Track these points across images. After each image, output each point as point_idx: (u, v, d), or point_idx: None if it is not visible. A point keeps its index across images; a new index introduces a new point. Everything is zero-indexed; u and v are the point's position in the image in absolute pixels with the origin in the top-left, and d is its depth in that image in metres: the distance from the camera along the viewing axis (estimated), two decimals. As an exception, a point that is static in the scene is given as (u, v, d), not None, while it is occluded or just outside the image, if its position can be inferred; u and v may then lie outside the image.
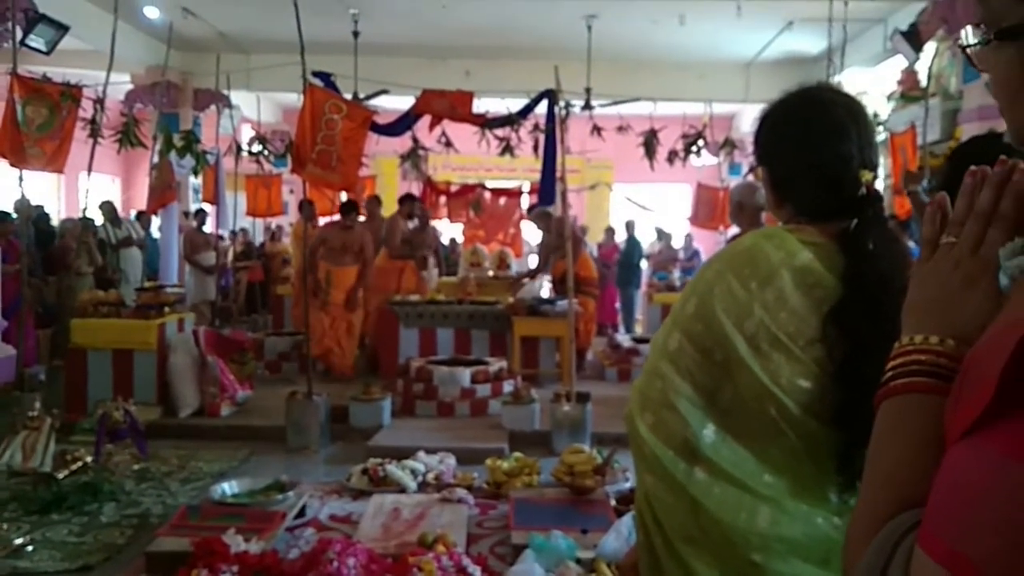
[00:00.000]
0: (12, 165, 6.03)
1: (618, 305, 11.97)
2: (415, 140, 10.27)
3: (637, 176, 13.15)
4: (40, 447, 4.50)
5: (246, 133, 12.35)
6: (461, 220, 12.76)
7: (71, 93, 6.21)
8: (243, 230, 12.91)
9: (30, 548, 3.86)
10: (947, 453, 0.59)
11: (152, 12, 9.93)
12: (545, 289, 8.65)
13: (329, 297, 7.53)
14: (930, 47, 7.97)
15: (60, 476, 4.48)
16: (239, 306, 11.49)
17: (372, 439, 5.74)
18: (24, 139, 5.90)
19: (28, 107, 5.96)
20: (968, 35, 0.73)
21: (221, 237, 10.25)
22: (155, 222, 10.90)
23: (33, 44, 7.14)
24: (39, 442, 4.51)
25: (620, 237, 12.44)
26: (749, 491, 1.21)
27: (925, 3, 7.78)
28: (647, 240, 12.92)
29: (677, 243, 12.75)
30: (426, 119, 8.41)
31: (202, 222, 10.48)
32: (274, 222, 13.36)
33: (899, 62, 9.21)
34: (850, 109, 1.32)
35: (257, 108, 12.17)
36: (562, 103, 6.98)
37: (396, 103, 9.85)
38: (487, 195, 12.71)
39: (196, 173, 9.46)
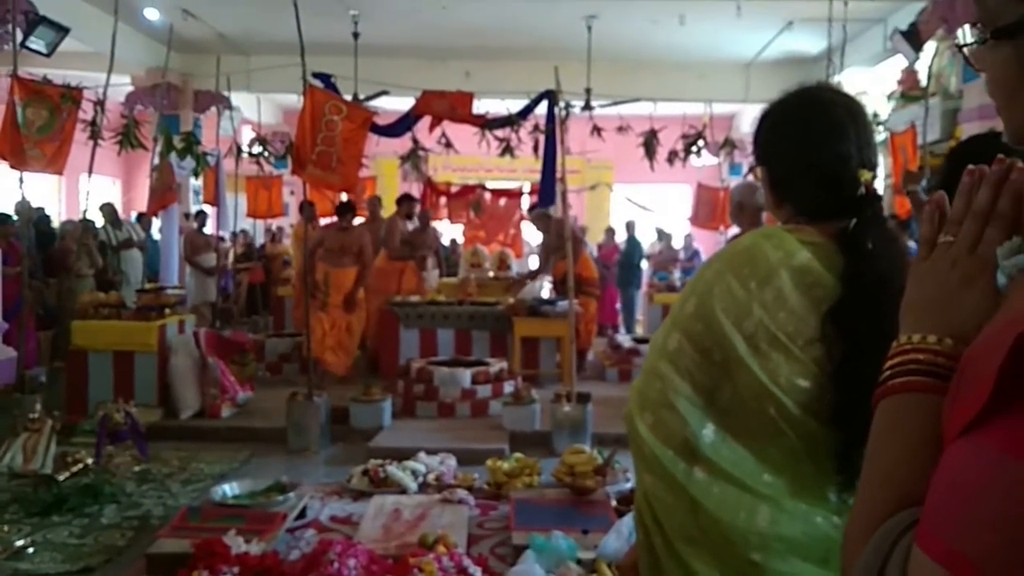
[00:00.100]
0: (12, 167, 6.03)
1: (619, 305, 11.97)
2: (415, 141, 10.27)
3: (637, 176, 13.15)
4: (41, 449, 4.50)
5: (246, 134, 12.35)
6: (461, 221, 12.76)
7: (71, 95, 6.21)
8: (243, 231, 12.92)
9: (31, 550, 3.86)
10: (945, 451, 0.59)
11: (152, 14, 9.94)
12: (546, 290, 8.65)
13: (328, 299, 7.51)
14: (930, 47, 7.97)
15: (61, 478, 4.49)
16: (240, 307, 11.50)
17: (373, 440, 5.74)
18: (24, 141, 5.90)
19: (28, 109, 5.97)
20: (965, 34, 0.73)
21: (222, 238, 10.25)
22: (156, 224, 10.90)
23: (33, 46, 7.15)
24: (40, 444, 4.51)
25: (620, 237, 12.44)
26: (748, 490, 1.21)
27: (925, 3, 7.78)
28: (647, 240, 12.92)
29: (677, 243, 12.75)
30: (426, 120, 8.42)
31: (202, 224, 10.48)
32: (275, 223, 13.36)
33: (899, 62, 9.21)
34: (849, 109, 1.32)
35: (257, 109, 12.17)
36: (562, 104, 6.99)
37: (396, 104, 9.85)
38: (487, 196, 12.71)
39: (196, 175, 9.46)
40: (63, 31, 7.36)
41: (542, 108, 7.64)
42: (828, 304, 1.22)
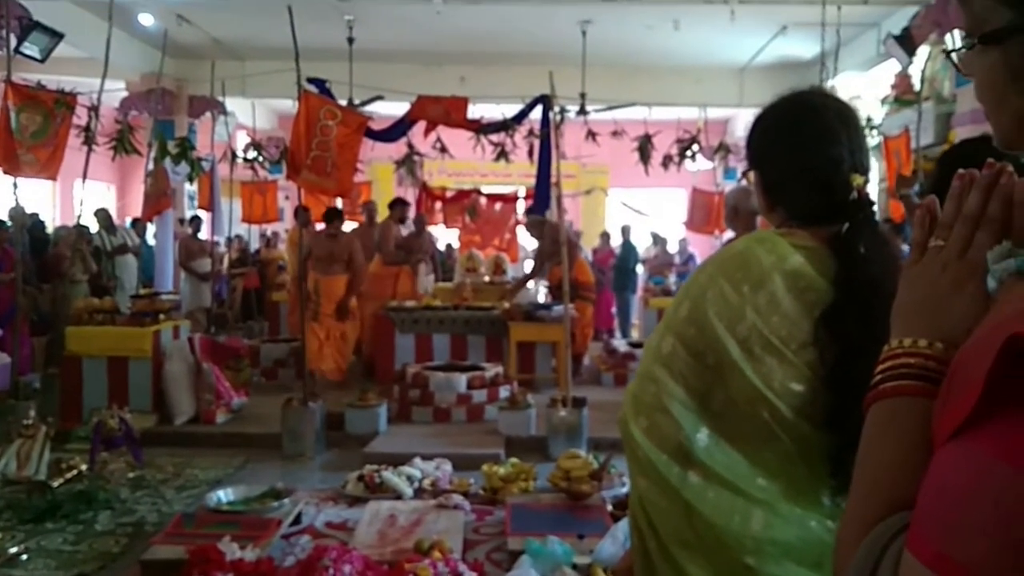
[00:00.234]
0: (5, 172, 6.03)
1: (614, 310, 11.98)
2: (410, 146, 10.27)
3: (632, 181, 13.16)
4: (35, 455, 4.49)
5: (241, 140, 12.35)
6: (457, 225, 12.76)
7: (65, 100, 6.21)
8: (238, 237, 12.90)
9: (25, 557, 3.84)
10: (935, 455, 0.59)
11: (147, 19, 9.93)
12: (541, 294, 8.65)
13: (320, 308, 7.45)
14: (923, 51, 8.00)
15: (55, 484, 4.47)
16: (235, 313, 11.48)
17: (368, 445, 5.73)
18: (18, 146, 5.90)
19: (22, 115, 5.96)
20: (954, 40, 0.74)
21: (216, 244, 10.24)
22: (150, 229, 10.88)
23: (27, 52, 7.13)
24: (34, 450, 4.50)
25: (616, 242, 12.46)
26: (743, 495, 1.21)
27: (918, 7, 7.83)
28: (643, 245, 12.94)
29: (672, 247, 12.76)
30: (421, 125, 8.42)
31: (197, 229, 10.47)
32: (270, 229, 13.34)
33: (892, 66, 9.24)
34: (841, 113, 1.33)
35: (252, 115, 12.16)
36: (557, 108, 7.00)
37: (391, 109, 9.85)
38: (483, 200, 12.72)
39: (191, 180, 9.45)
40: (57, 37, 7.35)
41: (537, 113, 7.66)
42: (821, 308, 1.22)
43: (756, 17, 9.45)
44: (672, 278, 11.45)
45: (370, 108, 9.04)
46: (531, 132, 9.11)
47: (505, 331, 7.56)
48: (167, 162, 8.38)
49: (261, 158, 11.15)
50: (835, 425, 1.18)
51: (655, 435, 1.25)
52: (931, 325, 0.70)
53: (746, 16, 9.21)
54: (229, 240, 11.62)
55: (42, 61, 7.30)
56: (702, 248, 12.85)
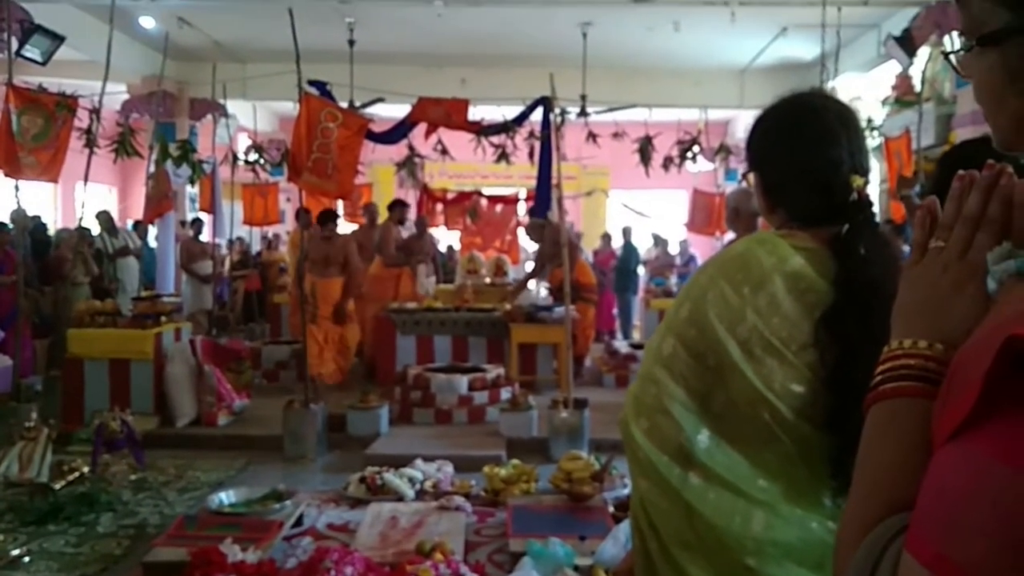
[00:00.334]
0: (6, 175, 6.04)
1: (615, 311, 11.98)
2: (411, 148, 10.28)
3: (633, 182, 13.16)
4: (37, 457, 4.49)
5: (242, 142, 12.36)
6: (458, 227, 12.77)
7: (66, 103, 6.22)
8: (240, 239, 12.91)
9: (27, 559, 3.84)
10: (934, 456, 0.59)
11: (148, 22, 9.95)
12: (542, 296, 8.65)
13: (317, 310, 7.40)
14: (923, 52, 8.00)
15: (57, 486, 4.47)
16: (236, 315, 11.48)
17: (370, 447, 5.73)
18: (19, 149, 5.90)
19: (23, 117, 5.97)
20: (953, 41, 0.74)
21: (218, 246, 10.25)
22: (152, 231, 10.89)
23: (29, 55, 7.15)
24: (36, 452, 4.50)
25: (617, 243, 12.46)
26: (743, 496, 1.21)
27: (918, 9, 7.82)
28: (644, 246, 12.94)
29: (673, 249, 12.77)
30: (422, 127, 8.43)
31: (198, 231, 10.47)
32: (271, 231, 13.35)
33: (893, 67, 9.24)
34: (841, 115, 1.33)
35: (253, 117, 12.18)
36: (557, 110, 7.01)
37: (392, 111, 9.87)
38: (483, 202, 12.73)
39: (192, 182, 9.45)
40: (58, 40, 7.37)
41: (538, 115, 7.66)
42: (821, 309, 1.22)
43: (756, 19, 9.45)
44: (673, 279, 11.45)
45: (371, 110, 9.05)
46: (532, 134, 9.12)
47: (506, 333, 7.56)
48: (168, 164, 8.39)
49: (262, 160, 11.16)
50: (836, 426, 1.18)
51: (656, 436, 1.25)
52: (931, 326, 0.70)
53: (746, 18, 9.21)
54: (230, 242, 11.64)
55: (43, 64, 7.32)
56: (703, 249, 12.85)
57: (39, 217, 10.51)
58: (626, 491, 4.39)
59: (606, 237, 12.92)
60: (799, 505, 1.21)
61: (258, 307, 11.77)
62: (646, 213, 14.83)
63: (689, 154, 10.99)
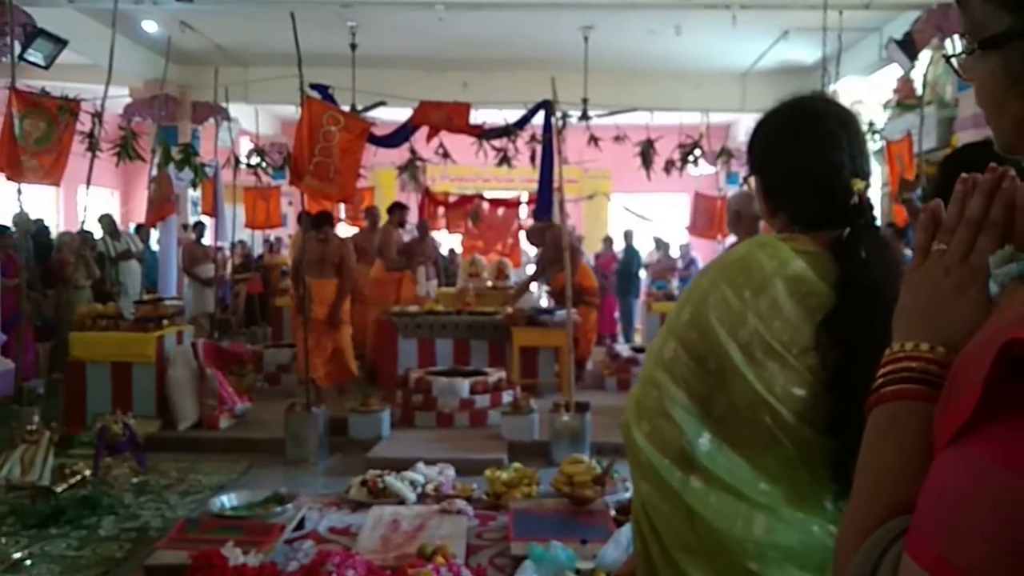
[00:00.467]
0: (9, 179, 6.04)
1: (617, 314, 11.98)
2: (413, 151, 10.30)
3: (635, 186, 13.18)
4: (39, 461, 4.49)
5: (244, 146, 12.37)
6: (459, 231, 12.77)
7: (69, 107, 6.23)
8: (242, 242, 12.93)
9: (28, 562, 3.85)
10: (935, 459, 0.59)
11: (150, 26, 9.96)
12: (544, 299, 8.65)
13: (312, 313, 7.34)
14: (925, 56, 8.01)
15: (59, 490, 4.48)
16: (238, 318, 11.49)
17: (371, 451, 5.73)
18: (21, 152, 5.91)
19: (26, 121, 5.98)
20: (954, 45, 0.74)
21: (220, 249, 10.26)
22: (154, 235, 10.91)
23: (32, 59, 7.17)
24: (38, 456, 4.50)
25: (618, 247, 12.46)
26: (745, 499, 1.21)
27: (920, 12, 7.83)
28: (645, 249, 12.95)
29: (675, 252, 12.77)
30: (424, 130, 8.44)
31: (200, 235, 10.49)
32: (273, 234, 13.37)
33: (894, 71, 9.25)
34: (841, 118, 1.33)
35: (255, 121, 12.19)
36: (559, 114, 7.01)
37: (394, 115, 9.88)
38: (485, 206, 12.73)
39: (195, 186, 9.47)
40: (61, 43, 7.39)
41: (539, 118, 7.66)
42: (822, 313, 1.22)
43: (758, 22, 9.45)
44: (675, 283, 11.45)
45: (373, 114, 9.07)
46: (533, 137, 9.13)
47: (508, 336, 7.56)
48: (171, 168, 8.40)
49: (264, 164, 11.18)
50: (837, 429, 1.18)
51: (657, 440, 1.25)
52: (933, 329, 0.70)
53: (748, 21, 9.21)
54: (232, 246, 11.65)
55: (46, 68, 7.34)
56: (705, 253, 12.86)
57: (42, 220, 10.52)
58: (627, 495, 4.38)
59: (608, 240, 12.92)
60: (800, 509, 1.21)
61: (260, 310, 11.78)
62: (648, 216, 14.84)
63: (690, 157, 11.01)
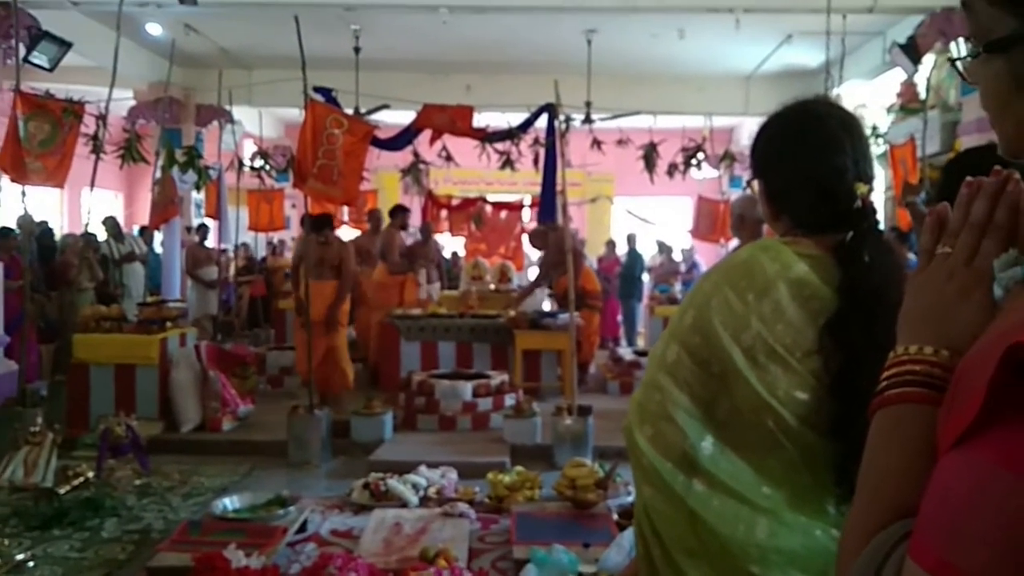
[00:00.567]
0: (13, 180, 6.06)
1: (620, 318, 11.97)
2: (416, 154, 10.30)
3: (638, 189, 13.18)
4: (42, 462, 4.50)
5: (248, 148, 12.40)
6: (462, 234, 12.79)
7: (73, 109, 6.24)
8: (245, 245, 12.95)
9: (31, 564, 3.85)
10: (938, 463, 0.59)
11: (154, 29, 9.99)
12: (546, 303, 8.65)
13: (311, 315, 7.28)
14: (928, 60, 8.00)
15: (62, 491, 4.48)
16: (241, 321, 11.51)
17: (373, 453, 5.73)
18: (25, 155, 5.93)
19: (30, 123, 6.00)
20: (959, 48, 0.74)
21: (223, 252, 10.27)
22: (157, 237, 10.92)
23: (36, 61, 7.19)
24: (41, 457, 4.51)
25: (621, 250, 12.46)
26: (747, 503, 1.21)
27: (923, 16, 7.83)
28: (648, 253, 12.94)
29: (678, 256, 12.76)
30: (427, 133, 8.45)
31: (204, 237, 10.50)
32: (276, 237, 13.39)
33: (898, 75, 9.24)
34: (844, 122, 1.33)
35: (259, 123, 12.22)
36: (562, 117, 7.01)
37: (397, 118, 9.89)
38: (488, 209, 12.75)
39: (198, 188, 9.49)
40: (66, 46, 7.41)
41: (542, 121, 7.66)
42: (825, 316, 1.22)
43: (761, 26, 9.46)
44: (677, 286, 11.44)
45: (376, 117, 9.08)
46: (536, 141, 9.13)
47: (510, 339, 7.56)
48: (174, 170, 8.42)
49: (268, 166, 11.20)
50: (840, 433, 1.18)
51: (660, 443, 1.25)
52: (937, 332, 0.70)
53: (751, 25, 9.21)
54: (236, 248, 11.67)
55: (51, 70, 7.36)
56: (708, 256, 12.86)
57: (46, 222, 10.55)
58: (630, 498, 4.38)
59: (610, 244, 12.92)
60: (803, 512, 1.21)
61: (263, 313, 11.79)
62: (650, 220, 14.85)
63: (694, 161, 11.01)
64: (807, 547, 1.19)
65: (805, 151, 1.32)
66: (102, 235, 9.86)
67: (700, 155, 11.06)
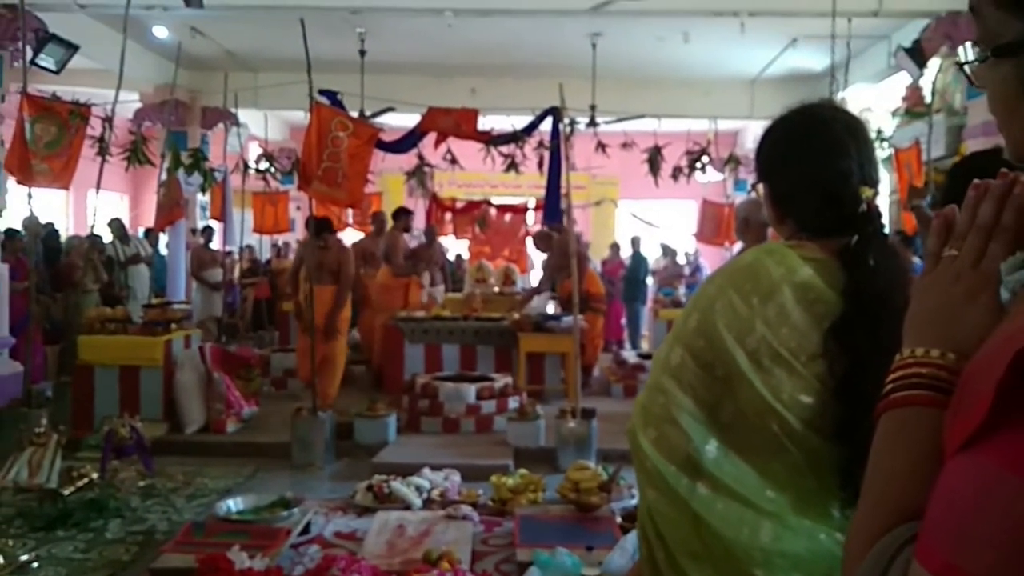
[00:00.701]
0: (19, 182, 6.08)
1: (624, 321, 11.96)
2: (421, 157, 10.32)
3: (642, 192, 13.17)
4: (46, 463, 4.51)
5: (253, 151, 12.42)
6: (467, 236, 12.80)
7: (80, 111, 6.26)
8: (250, 247, 12.97)
9: (35, 565, 3.85)
10: (945, 466, 0.59)
11: (161, 32, 10.02)
12: (550, 306, 8.65)
13: (312, 318, 7.25)
14: (934, 63, 7.99)
15: (66, 492, 4.49)
16: (245, 322, 11.52)
17: (377, 455, 5.73)
18: (32, 156, 5.95)
19: (37, 125, 6.02)
20: (967, 52, 0.74)
21: (228, 254, 10.29)
22: (163, 239, 10.95)
23: (43, 63, 7.22)
24: (45, 458, 4.52)
25: (625, 253, 12.46)
26: (752, 506, 1.20)
27: (928, 20, 7.82)
28: (652, 256, 12.94)
29: (682, 259, 12.75)
30: (431, 136, 8.46)
31: (209, 239, 10.52)
32: (281, 239, 13.41)
33: (903, 78, 9.23)
34: (849, 126, 1.33)
35: (264, 126, 12.24)
36: (567, 120, 7.01)
37: (402, 120, 9.90)
38: (492, 211, 12.77)
39: (204, 190, 9.51)
40: (72, 48, 7.43)
41: (547, 125, 7.67)
42: (830, 320, 1.22)
43: (766, 29, 9.45)
44: (682, 289, 11.44)
45: (381, 119, 9.08)
46: (541, 144, 9.13)
47: (514, 342, 7.56)
48: (180, 173, 8.44)
49: (273, 169, 11.21)
50: (844, 437, 1.18)
51: (664, 446, 1.25)
52: (943, 335, 0.70)
53: (756, 28, 9.21)
54: (241, 250, 11.69)
55: (57, 73, 7.39)
56: (712, 260, 12.84)
57: (51, 224, 10.58)
58: (634, 501, 4.37)
59: (615, 247, 12.92)
60: (807, 516, 1.21)
61: (267, 315, 11.80)
62: (655, 223, 14.84)
63: (698, 164, 10.99)
64: (811, 551, 1.19)
65: (810, 155, 1.32)
66: (107, 237, 9.89)
67: (705, 158, 11.04)
